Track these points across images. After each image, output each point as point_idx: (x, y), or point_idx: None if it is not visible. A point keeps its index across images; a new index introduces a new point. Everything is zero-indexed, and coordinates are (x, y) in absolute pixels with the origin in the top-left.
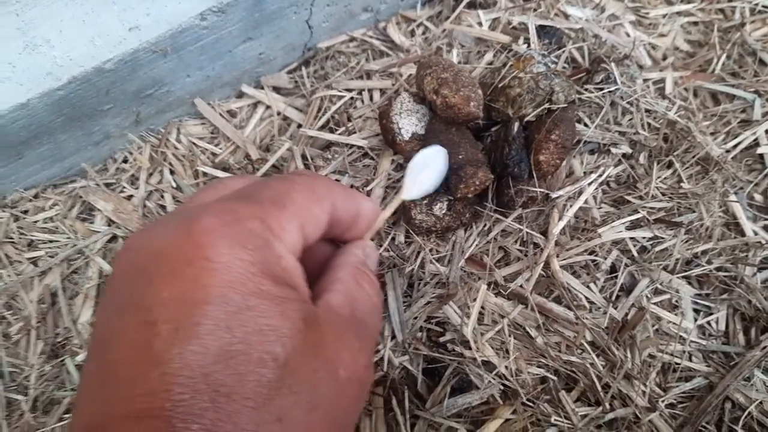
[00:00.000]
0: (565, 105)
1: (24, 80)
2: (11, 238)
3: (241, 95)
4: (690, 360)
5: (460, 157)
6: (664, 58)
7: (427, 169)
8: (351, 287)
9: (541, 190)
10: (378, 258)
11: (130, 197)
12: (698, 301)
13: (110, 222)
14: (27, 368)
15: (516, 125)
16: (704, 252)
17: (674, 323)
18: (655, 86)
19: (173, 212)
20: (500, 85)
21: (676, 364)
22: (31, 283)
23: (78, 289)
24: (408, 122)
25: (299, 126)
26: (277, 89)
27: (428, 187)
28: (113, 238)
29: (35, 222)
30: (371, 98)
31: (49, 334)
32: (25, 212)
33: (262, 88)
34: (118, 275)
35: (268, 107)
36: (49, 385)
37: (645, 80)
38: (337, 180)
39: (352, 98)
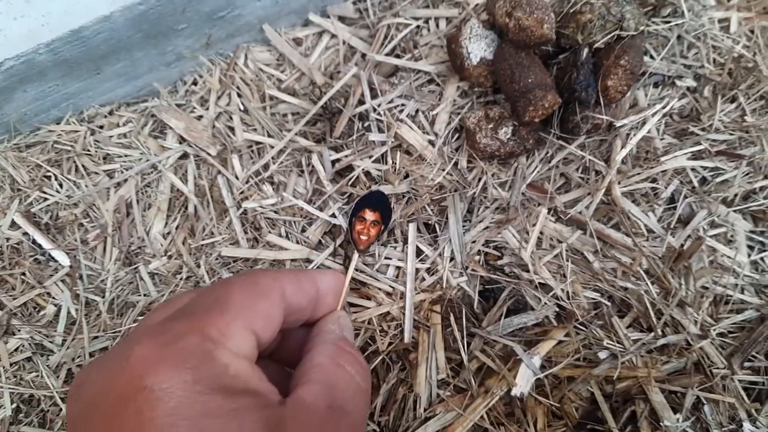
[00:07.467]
0: (635, 33)
1: None
2: (88, 151)
3: (307, 23)
4: (742, 293)
5: (530, 80)
6: None
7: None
8: (329, 372)
9: (607, 117)
10: (352, 327)
11: (199, 118)
12: (753, 236)
13: (181, 140)
14: (103, 273)
15: (585, 50)
16: (762, 188)
17: (729, 257)
18: (720, 25)
19: (118, 342)
20: (571, 11)
21: (729, 296)
22: (107, 193)
23: (151, 201)
24: (477, 47)
25: (363, 55)
26: (342, 19)
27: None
28: (184, 155)
29: (110, 137)
30: (437, 26)
31: (123, 242)
32: (101, 127)
33: (328, 17)
34: (70, 423)
35: (333, 36)
36: (123, 289)
37: (710, 19)
38: (402, 105)
39: (418, 27)
